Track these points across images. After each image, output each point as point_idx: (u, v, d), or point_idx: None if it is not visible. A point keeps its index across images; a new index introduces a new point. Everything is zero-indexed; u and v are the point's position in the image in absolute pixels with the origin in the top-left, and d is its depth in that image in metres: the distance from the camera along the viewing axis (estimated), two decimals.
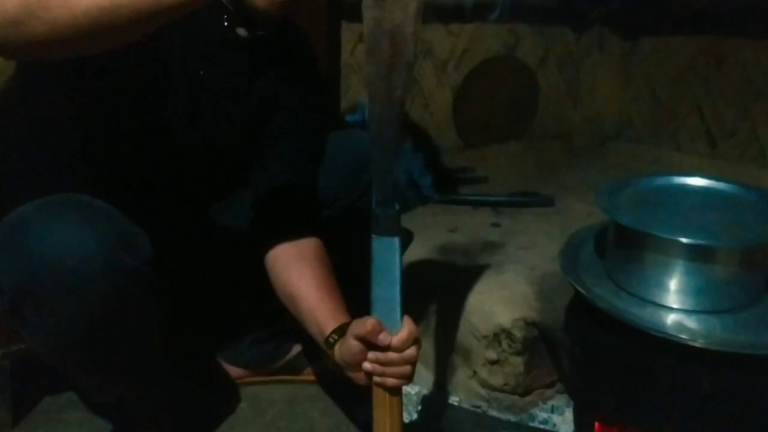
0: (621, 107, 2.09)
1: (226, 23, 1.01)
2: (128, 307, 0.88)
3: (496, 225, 1.63)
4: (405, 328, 0.88)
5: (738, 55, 1.76)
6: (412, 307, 1.37)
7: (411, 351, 0.89)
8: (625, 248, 1.00)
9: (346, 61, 1.83)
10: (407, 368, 0.89)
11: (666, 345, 0.90)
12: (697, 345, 0.88)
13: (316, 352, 1.33)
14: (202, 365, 1.31)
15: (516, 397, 1.27)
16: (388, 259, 0.85)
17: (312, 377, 1.34)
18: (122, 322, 0.88)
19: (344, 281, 1.06)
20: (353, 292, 1.01)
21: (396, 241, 0.85)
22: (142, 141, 1.02)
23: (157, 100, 1.00)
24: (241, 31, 1.03)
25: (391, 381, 0.89)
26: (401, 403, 0.93)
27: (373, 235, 0.85)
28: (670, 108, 1.96)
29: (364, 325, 0.87)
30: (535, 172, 1.96)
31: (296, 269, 1.04)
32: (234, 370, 1.32)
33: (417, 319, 1.39)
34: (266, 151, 1.09)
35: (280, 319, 1.30)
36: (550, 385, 1.30)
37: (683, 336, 0.89)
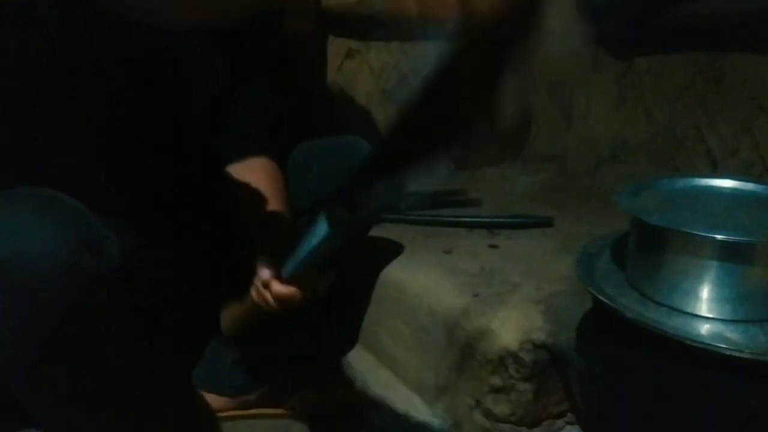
0: (616, 129, 2.02)
1: None
2: (91, 317, 0.77)
3: (493, 246, 1.53)
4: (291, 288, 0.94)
5: (738, 71, 1.70)
6: (408, 333, 1.28)
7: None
8: (651, 252, 0.90)
9: (333, 78, 1.75)
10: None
11: (705, 358, 0.80)
12: (744, 356, 0.77)
13: (303, 377, 1.25)
14: (178, 394, 1.18)
15: (523, 429, 1.16)
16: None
17: (300, 408, 1.23)
18: (83, 333, 0.77)
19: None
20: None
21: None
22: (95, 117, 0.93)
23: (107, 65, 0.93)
24: None
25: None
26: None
27: None
28: (667, 128, 1.90)
29: (261, 272, 0.96)
30: (529, 194, 1.88)
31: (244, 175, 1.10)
32: (213, 399, 1.20)
33: (415, 348, 1.30)
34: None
35: (264, 342, 1.21)
36: (560, 415, 1.19)
37: (725, 346, 0.79)
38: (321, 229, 0.78)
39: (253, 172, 1.12)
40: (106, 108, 0.94)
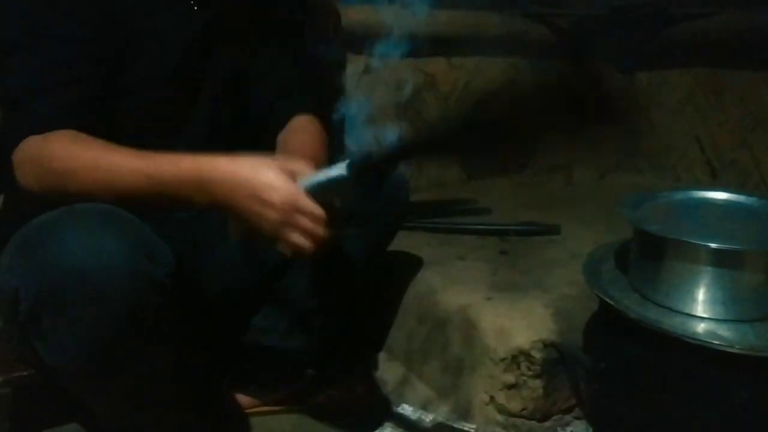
0: (620, 140, 2.11)
1: None
2: (150, 319, 0.85)
3: (504, 252, 1.62)
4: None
5: (736, 86, 1.80)
6: (425, 334, 1.35)
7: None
8: (651, 258, 0.99)
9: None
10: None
11: (699, 354, 0.89)
12: (733, 351, 0.86)
13: (329, 378, 1.32)
14: (210, 392, 1.27)
15: (534, 423, 1.24)
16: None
17: (324, 405, 1.31)
18: (142, 333, 0.86)
19: None
20: None
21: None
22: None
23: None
24: None
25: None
26: None
27: None
28: (668, 140, 1.98)
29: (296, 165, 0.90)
30: (537, 203, 1.95)
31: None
32: (242, 398, 1.28)
33: (432, 348, 1.38)
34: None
35: (291, 344, 1.28)
36: (569, 410, 1.27)
37: (718, 342, 0.88)
38: (339, 166, 0.86)
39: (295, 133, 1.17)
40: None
